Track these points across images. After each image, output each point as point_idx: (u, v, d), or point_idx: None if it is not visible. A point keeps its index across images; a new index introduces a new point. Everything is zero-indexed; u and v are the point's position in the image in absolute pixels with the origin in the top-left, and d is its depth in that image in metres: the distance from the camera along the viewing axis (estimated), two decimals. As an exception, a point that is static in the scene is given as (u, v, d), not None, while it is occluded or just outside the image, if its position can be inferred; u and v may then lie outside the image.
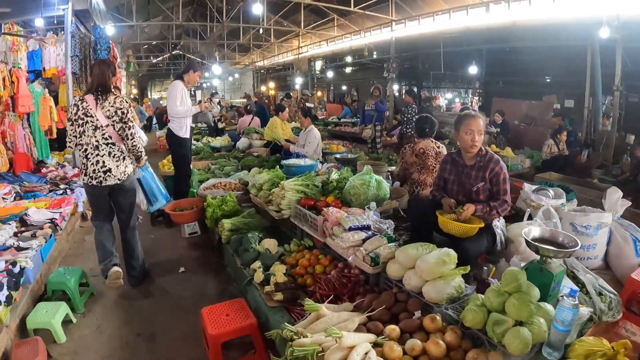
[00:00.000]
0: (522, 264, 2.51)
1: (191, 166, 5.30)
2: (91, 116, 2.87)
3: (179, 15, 12.21)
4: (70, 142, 2.98)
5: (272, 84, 19.30)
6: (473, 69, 10.49)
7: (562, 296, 1.86)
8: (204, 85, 26.11)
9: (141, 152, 3.13)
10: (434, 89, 14.40)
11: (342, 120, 12.69)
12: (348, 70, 18.48)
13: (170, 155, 5.44)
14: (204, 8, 13.17)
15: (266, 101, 16.35)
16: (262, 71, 22.96)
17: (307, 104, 15.15)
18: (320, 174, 4.86)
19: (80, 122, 2.88)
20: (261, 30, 13.05)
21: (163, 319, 2.95)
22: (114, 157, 2.95)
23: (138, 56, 17.38)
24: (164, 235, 4.63)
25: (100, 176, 2.92)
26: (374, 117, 8.29)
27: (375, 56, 12.80)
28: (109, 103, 2.90)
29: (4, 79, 4.84)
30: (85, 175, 2.96)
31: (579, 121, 9.14)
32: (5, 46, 5.18)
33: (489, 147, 7.47)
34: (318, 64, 18.00)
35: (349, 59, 16.06)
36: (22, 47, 5.55)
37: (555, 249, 2.11)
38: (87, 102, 2.88)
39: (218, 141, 8.34)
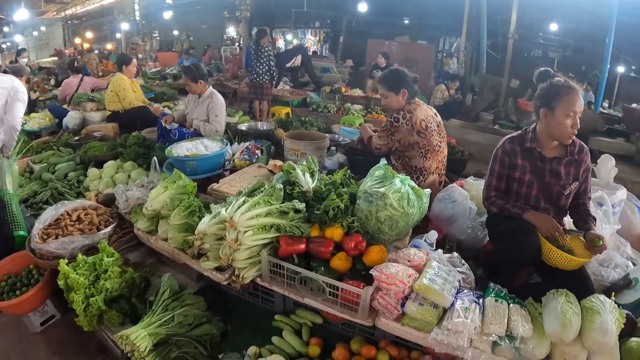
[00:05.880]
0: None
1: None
2: None
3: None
4: None
5: (89, 35, 14.90)
6: (339, 8, 9.69)
7: None
8: (4, 46, 20.11)
9: None
10: (290, 30, 13.19)
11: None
12: (179, 12, 15.42)
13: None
14: None
15: (79, 57, 12.54)
16: (75, 21, 17.90)
17: (138, 55, 12.21)
18: (240, 165, 3.37)
19: None
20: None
21: None
22: None
23: None
24: (1, 333, 2.34)
25: None
26: None
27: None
28: None
29: None
30: None
31: (434, 62, 9.58)
32: None
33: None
34: (144, 7, 14.53)
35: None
36: None
37: None
38: None
39: (35, 121, 5.25)
